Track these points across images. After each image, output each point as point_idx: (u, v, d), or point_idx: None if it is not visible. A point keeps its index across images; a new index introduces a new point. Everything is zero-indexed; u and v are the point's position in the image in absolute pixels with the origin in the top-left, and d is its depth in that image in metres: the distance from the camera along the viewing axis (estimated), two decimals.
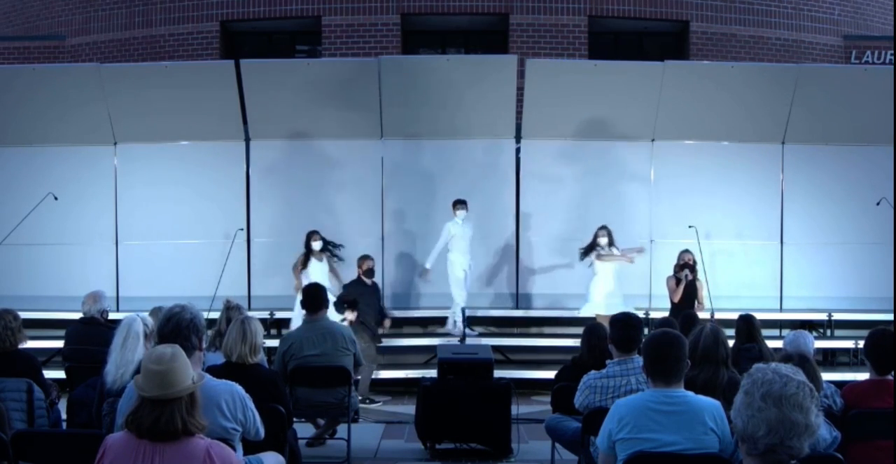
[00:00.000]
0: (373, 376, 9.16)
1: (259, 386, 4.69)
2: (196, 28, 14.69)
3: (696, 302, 9.54)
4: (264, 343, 5.39)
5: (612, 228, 10.74)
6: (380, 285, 9.94)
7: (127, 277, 10.81)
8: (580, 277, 10.82)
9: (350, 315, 9.01)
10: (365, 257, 9.63)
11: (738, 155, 10.96)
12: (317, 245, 9.83)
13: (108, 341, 4.69)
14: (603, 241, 9.78)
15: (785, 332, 9.73)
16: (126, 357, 4.43)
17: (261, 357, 5.28)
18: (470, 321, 10.19)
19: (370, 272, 9.55)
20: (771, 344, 7.47)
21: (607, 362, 4.96)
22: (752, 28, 14.80)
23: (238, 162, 10.98)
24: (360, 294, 9.26)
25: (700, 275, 9.65)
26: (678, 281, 9.50)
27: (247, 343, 5.07)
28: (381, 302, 9.82)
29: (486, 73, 10.67)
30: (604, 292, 9.73)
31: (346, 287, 9.45)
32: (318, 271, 9.73)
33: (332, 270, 9.94)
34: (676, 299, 9.48)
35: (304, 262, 9.78)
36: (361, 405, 8.04)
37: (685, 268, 9.49)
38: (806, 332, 6.13)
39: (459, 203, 10.13)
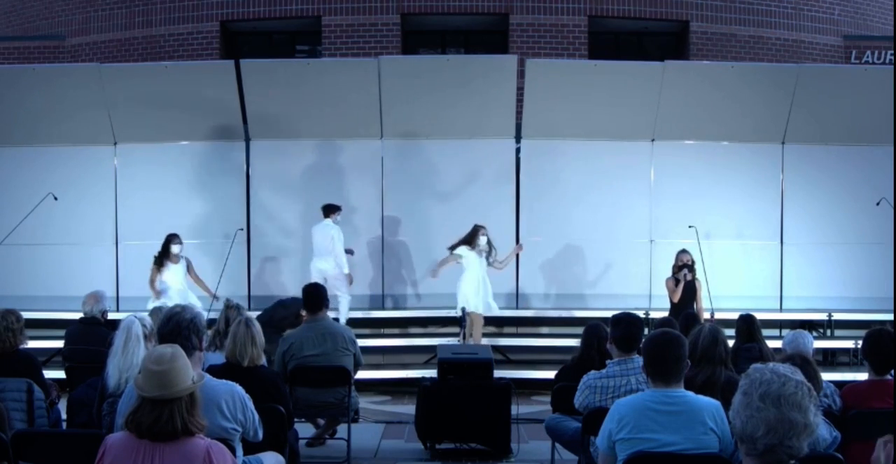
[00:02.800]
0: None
1: (259, 386, 4.69)
2: (196, 28, 14.69)
3: (695, 302, 9.53)
4: (264, 343, 5.39)
5: (612, 227, 10.78)
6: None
7: (127, 277, 10.80)
8: (580, 277, 10.86)
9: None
10: None
11: (738, 155, 10.96)
12: (176, 249, 9.71)
13: (108, 341, 4.69)
14: (483, 240, 9.71)
15: (785, 332, 9.73)
16: (128, 361, 4.40)
17: (264, 359, 5.29)
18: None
19: None
20: (771, 344, 7.47)
21: (607, 361, 4.96)
22: (752, 28, 14.79)
23: (238, 162, 10.98)
24: None
25: (699, 275, 9.64)
26: (677, 282, 9.48)
27: (256, 345, 5.09)
28: None
29: (486, 73, 10.66)
30: (475, 290, 9.65)
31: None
32: (174, 276, 9.68)
33: (191, 272, 9.80)
34: (676, 300, 9.47)
35: (159, 267, 9.65)
36: None
37: (683, 268, 9.47)
38: (805, 332, 6.13)
39: (336, 209, 10.00)
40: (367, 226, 10.97)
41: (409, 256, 10.98)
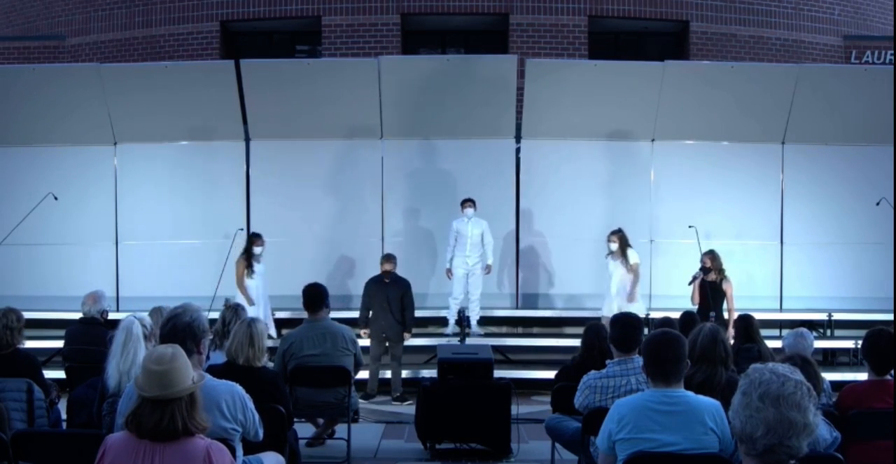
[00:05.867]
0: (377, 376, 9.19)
1: (259, 386, 4.69)
2: (196, 28, 14.69)
3: (723, 304, 9.38)
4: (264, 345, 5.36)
5: (612, 227, 10.74)
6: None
7: (127, 277, 10.81)
8: (580, 277, 10.85)
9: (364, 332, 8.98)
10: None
11: (738, 155, 10.95)
12: (258, 250, 9.67)
13: (108, 341, 4.68)
14: (613, 245, 9.74)
15: (785, 332, 9.71)
16: (128, 361, 4.40)
17: (265, 360, 5.27)
18: (468, 320, 10.17)
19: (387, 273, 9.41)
20: (771, 344, 7.47)
21: (607, 361, 4.96)
22: (752, 28, 14.79)
23: (238, 162, 10.98)
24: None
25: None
26: (692, 281, 9.47)
27: (254, 346, 5.07)
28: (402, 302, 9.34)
29: (486, 73, 10.66)
30: (606, 293, 9.78)
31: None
32: (260, 276, 9.65)
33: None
34: (693, 302, 9.41)
35: (248, 267, 9.61)
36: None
37: (702, 270, 9.44)
38: (806, 330, 6.06)
39: (466, 202, 10.10)
40: (369, 226, 10.97)
41: (410, 256, 10.97)
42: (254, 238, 9.77)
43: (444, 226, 10.42)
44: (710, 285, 9.35)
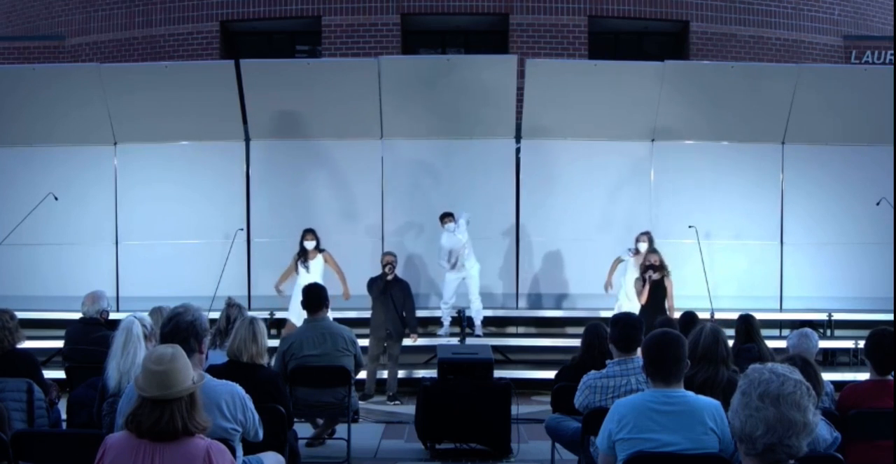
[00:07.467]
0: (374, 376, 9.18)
1: (259, 386, 4.69)
2: (196, 28, 14.69)
3: (666, 301, 9.32)
4: (266, 344, 5.37)
5: (612, 228, 10.78)
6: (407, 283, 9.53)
7: (127, 277, 10.81)
8: (580, 277, 10.85)
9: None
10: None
11: (738, 155, 10.96)
12: (310, 245, 9.65)
13: (108, 341, 4.68)
14: (642, 246, 9.65)
15: (785, 332, 9.73)
16: (128, 361, 4.39)
17: (266, 359, 5.27)
18: (470, 321, 10.16)
19: (388, 267, 9.31)
20: (771, 344, 7.46)
21: (607, 361, 4.96)
22: (752, 28, 14.80)
23: (238, 162, 10.98)
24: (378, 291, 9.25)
25: (698, 273, 9.55)
26: (643, 282, 9.42)
27: (257, 344, 5.09)
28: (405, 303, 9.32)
29: (486, 73, 10.66)
30: (625, 295, 9.74)
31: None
32: (316, 270, 9.64)
33: (334, 267, 9.71)
34: (642, 302, 9.30)
35: (298, 262, 9.64)
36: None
37: (649, 269, 9.29)
38: (809, 330, 6.01)
39: (446, 216, 9.94)
40: (369, 226, 10.97)
41: (410, 256, 10.98)
42: (304, 233, 9.72)
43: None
44: (655, 283, 9.30)
